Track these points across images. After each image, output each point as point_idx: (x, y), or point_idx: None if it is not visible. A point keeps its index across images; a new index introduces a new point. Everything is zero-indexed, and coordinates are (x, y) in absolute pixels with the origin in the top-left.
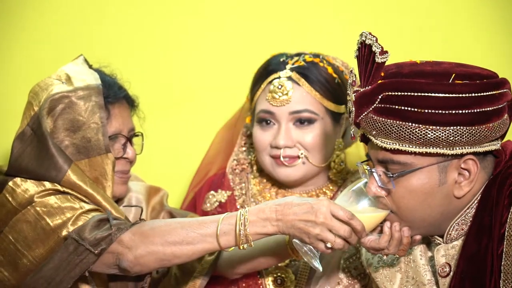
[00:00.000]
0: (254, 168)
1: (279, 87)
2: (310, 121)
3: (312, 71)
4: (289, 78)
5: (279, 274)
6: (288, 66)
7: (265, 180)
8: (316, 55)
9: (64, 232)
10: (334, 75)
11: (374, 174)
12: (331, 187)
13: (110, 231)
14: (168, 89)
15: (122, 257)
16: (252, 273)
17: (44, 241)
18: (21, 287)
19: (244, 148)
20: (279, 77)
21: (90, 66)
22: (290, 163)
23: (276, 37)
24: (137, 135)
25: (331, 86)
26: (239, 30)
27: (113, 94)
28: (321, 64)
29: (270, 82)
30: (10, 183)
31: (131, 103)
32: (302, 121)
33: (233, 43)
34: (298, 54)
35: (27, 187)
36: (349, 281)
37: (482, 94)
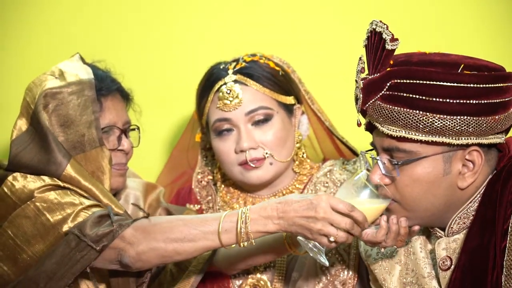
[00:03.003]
0: (219, 178)
1: (228, 92)
2: (267, 119)
3: (255, 69)
4: (235, 81)
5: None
6: (230, 71)
7: (232, 189)
8: (253, 54)
9: (65, 228)
10: (277, 68)
11: (379, 162)
12: (297, 185)
13: (111, 228)
14: (165, 85)
15: (124, 253)
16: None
17: (44, 237)
18: (22, 282)
19: (206, 161)
20: (225, 83)
21: (84, 62)
22: (258, 165)
23: (273, 33)
24: (133, 129)
25: (277, 79)
26: (236, 25)
27: (106, 86)
28: (261, 61)
29: (217, 90)
30: (10, 178)
31: (125, 96)
32: (259, 121)
33: (231, 38)
34: (235, 59)
35: (27, 182)
36: (328, 279)
37: (489, 85)
